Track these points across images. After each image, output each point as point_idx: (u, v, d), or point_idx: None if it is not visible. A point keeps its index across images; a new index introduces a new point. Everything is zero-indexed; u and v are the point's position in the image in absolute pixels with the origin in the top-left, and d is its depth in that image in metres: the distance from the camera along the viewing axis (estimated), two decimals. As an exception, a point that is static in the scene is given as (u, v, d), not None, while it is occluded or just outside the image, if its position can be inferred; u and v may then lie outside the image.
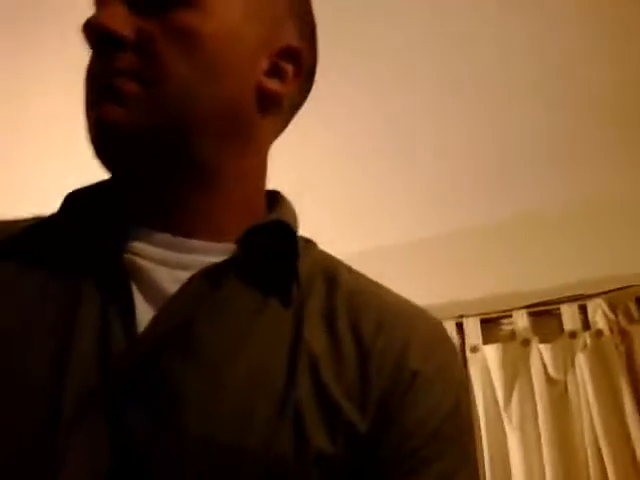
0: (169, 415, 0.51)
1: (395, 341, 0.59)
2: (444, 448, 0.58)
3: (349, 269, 0.66)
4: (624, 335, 2.29)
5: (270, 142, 0.69)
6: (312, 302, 0.60)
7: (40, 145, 2.09)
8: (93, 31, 0.57)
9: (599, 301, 2.36)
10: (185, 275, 0.56)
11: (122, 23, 0.57)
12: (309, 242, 0.68)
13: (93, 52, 0.59)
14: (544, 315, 2.42)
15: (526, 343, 2.38)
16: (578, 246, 2.47)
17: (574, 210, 2.48)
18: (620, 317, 2.32)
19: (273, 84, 0.64)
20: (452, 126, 2.17)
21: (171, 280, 0.57)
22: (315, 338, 0.57)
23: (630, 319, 2.32)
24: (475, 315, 2.46)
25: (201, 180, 0.61)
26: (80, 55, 0.62)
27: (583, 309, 2.38)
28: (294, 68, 0.65)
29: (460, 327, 2.44)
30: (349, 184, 2.39)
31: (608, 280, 2.37)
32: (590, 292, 2.38)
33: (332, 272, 0.64)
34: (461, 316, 2.46)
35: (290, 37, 0.66)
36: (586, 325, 2.36)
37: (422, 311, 0.65)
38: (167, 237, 0.59)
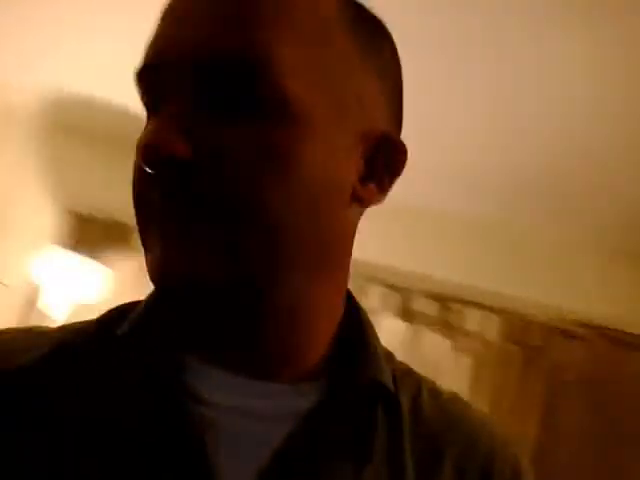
0: None
1: None
2: None
3: (431, 390, 0.60)
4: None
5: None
6: (405, 446, 0.54)
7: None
8: (145, 157, 0.45)
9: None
10: (274, 427, 0.50)
11: (176, 139, 0.45)
12: (388, 355, 0.60)
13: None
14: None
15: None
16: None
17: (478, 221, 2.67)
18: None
19: (369, 192, 0.53)
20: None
21: (259, 436, 0.50)
22: None
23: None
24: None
25: (283, 316, 0.52)
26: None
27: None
28: (392, 165, 0.54)
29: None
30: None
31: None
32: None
33: (417, 402, 0.58)
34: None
35: (383, 122, 0.54)
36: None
37: (515, 446, 0.61)
38: (241, 380, 0.51)
